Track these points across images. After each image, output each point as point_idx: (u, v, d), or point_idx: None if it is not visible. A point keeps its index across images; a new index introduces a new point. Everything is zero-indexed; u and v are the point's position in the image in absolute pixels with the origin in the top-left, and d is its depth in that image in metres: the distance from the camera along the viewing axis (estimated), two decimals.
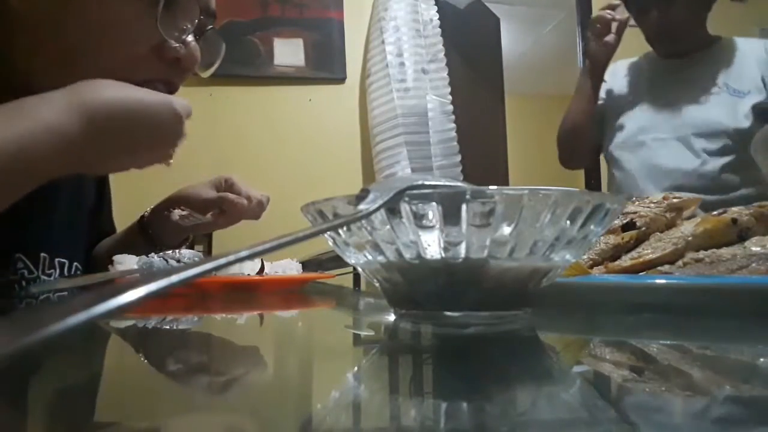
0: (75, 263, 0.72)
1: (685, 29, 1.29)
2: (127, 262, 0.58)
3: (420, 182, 0.26)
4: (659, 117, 1.31)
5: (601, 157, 1.49)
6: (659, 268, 0.44)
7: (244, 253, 0.18)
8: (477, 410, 0.16)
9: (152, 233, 0.82)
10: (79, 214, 0.76)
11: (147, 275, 0.15)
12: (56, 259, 0.68)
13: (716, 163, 1.24)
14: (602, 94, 1.44)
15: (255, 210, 0.80)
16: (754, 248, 0.41)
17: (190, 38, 0.55)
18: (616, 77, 1.43)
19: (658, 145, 1.30)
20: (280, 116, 2.27)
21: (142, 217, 0.85)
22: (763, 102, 1.20)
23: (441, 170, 2.09)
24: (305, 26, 2.32)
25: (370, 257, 0.30)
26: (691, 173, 1.25)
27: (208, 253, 1.75)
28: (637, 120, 1.35)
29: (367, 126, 2.24)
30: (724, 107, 1.25)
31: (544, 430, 0.15)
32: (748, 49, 1.31)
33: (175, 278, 0.15)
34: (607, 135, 1.41)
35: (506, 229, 0.27)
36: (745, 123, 1.24)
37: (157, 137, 0.49)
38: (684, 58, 1.32)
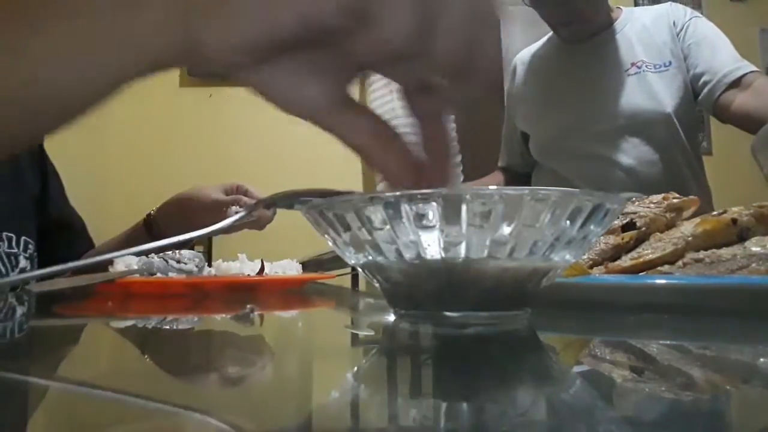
0: (23, 237, 0.75)
1: (590, 8, 1.15)
2: (127, 262, 0.58)
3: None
4: (585, 110, 1.17)
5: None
6: (659, 268, 0.44)
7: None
8: (477, 410, 0.16)
9: (157, 231, 0.84)
10: (20, 196, 0.79)
11: None
12: (3, 233, 0.71)
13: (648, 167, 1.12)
14: (512, 91, 1.33)
15: (270, 216, 0.82)
16: (754, 248, 0.41)
17: None
18: (527, 72, 1.30)
19: (584, 145, 1.16)
20: (280, 116, 2.26)
21: (149, 215, 0.86)
22: None
23: None
24: None
25: (370, 257, 0.30)
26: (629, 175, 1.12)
27: (208, 254, 1.75)
28: (556, 121, 1.20)
29: None
30: (652, 87, 1.12)
31: (544, 430, 0.15)
32: (653, 18, 1.19)
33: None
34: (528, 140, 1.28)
35: (506, 229, 0.27)
36: (676, 99, 1.12)
37: None
38: (589, 40, 1.19)
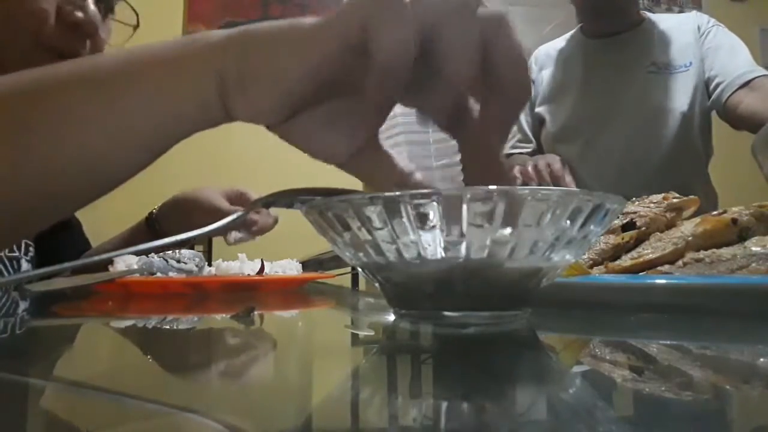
0: (24, 240, 0.76)
1: (624, 3, 1.21)
2: (127, 261, 0.58)
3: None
4: (602, 102, 1.21)
5: None
6: (659, 268, 0.44)
7: None
8: (477, 410, 0.16)
9: (159, 230, 0.84)
10: None
11: None
12: None
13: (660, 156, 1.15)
14: (532, 76, 1.35)
15: (271, 224, 0.83)
16: (754, 248, 0.41)
17: (90, 4, 0.57)
18: (547, 63, 1.33)
19: (597, 136, 1.19)
20: None
21: (150, 214, 0.86)
22: None
23: (441, 170, 2.09)
24: None
25: (370, 257, 0.30)
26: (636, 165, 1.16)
27: (208, 254, 1.75)
28: (573, 109, 1.24)
29: None
30: (670, 88, 1.16)
31: (544, 430, 0.15)
32: (679, 22, 1.23)
33: None
34: (538, 128, 1.32)
35: (506, 229, 0.26)
36: (693, 100, 1.15)
37: None
38: (615, 36, 1.23)
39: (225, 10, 2.28)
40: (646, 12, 1.28)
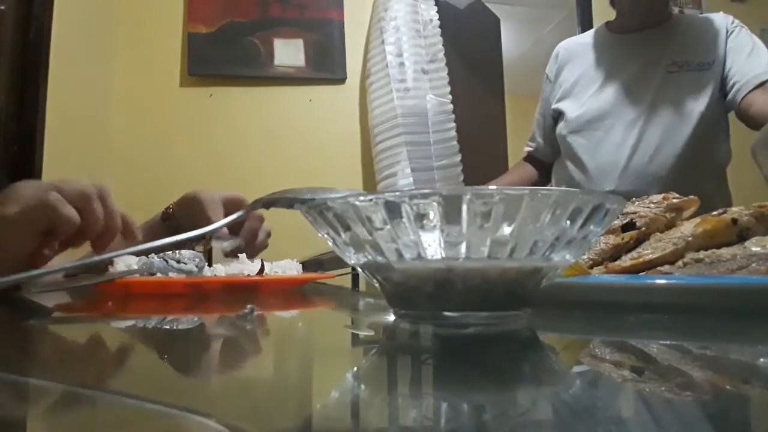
0: None
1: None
2: (127, 261, 0.58)
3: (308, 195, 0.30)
4: (620, 97, 1.22)
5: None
6: (659, 268, 0.44)
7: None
8: (477, 410, 0.16)
9: (174, 225, 0.85)
10: None
11: None
12: None
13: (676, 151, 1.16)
14: (551, 75, 1.38)
15: (264, 243, 0.84)
16: (754, 248, 0.41)
17: None
18: (569, 57, 1.34)
19: (611, 130, 1.21)
20: (280, 117, 2.27)
21: (167, 209, 0.87)
22: None
23: (441, 170, 2.09)
24: (305, 26, 2.33)
25: (370, 257, 0.30)
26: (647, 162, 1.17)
27: (208, 254, 1.75)
28: (590, 102, 1.25)
29: (367, 126, 2.24)
30: (689, 86, 1.17)
31: (543, 430, 0.15)
32: (705, 21, 1.24)
33: None
34: (558, 120, 1.33)
35: (506, 229, 0.27)
36: (712, 99, 1.16)
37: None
38: (639, 33, 1.25)
39: (225, 11, 2.28)
40: (674, 10, 1.31)
